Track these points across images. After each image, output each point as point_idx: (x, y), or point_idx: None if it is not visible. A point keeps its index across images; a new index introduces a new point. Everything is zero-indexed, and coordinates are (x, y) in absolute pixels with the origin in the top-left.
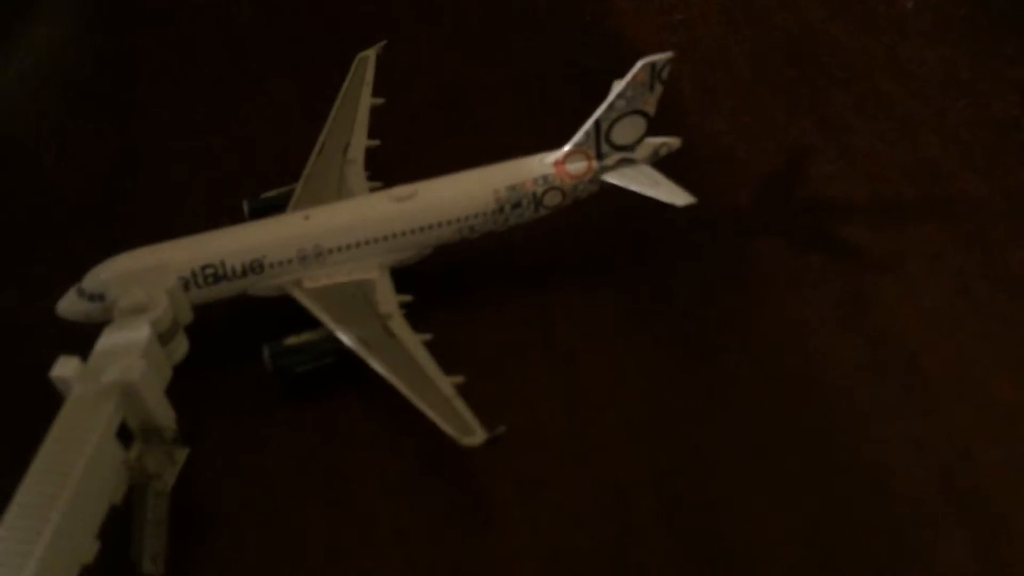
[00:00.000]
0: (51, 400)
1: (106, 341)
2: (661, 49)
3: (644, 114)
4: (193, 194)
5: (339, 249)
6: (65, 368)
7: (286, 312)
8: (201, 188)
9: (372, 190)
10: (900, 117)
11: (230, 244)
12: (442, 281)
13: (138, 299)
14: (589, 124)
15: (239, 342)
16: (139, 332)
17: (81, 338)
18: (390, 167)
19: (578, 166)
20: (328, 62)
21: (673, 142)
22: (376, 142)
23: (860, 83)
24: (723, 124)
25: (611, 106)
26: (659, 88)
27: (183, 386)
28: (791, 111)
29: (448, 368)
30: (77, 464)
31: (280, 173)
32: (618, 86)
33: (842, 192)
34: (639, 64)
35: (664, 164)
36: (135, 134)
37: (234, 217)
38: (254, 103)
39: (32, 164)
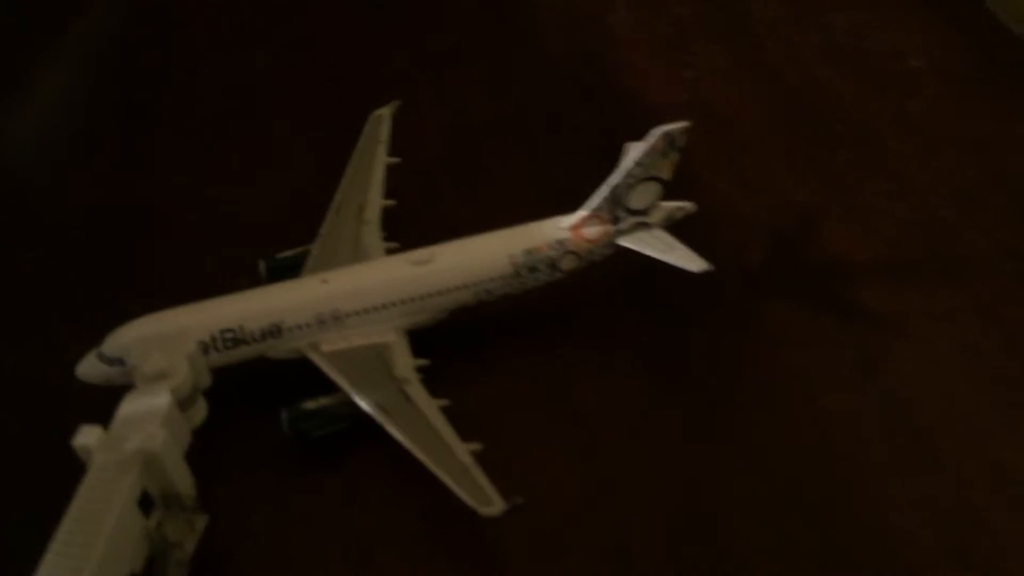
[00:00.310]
0: (69, 463)
1: (127, 409)
2: (671, 105)
3: (659, 180)
4: (208, 250)
5: (357, 313)
6: (87, 437)
7: (302, 373)
8: (216, 243)
9: (388, 251)
10: (909, 176)
11: (249, 308)
12: (456, 343)
13: (159, 366)
14: (605, 190)
15: (255, 405)
16: (160, 399)
17: (99, 399)
18: (404, 224)
19: (594, 230)
20: (339, 116)
21: (688, 207)
22: (392, 202)
23: (869, 142)
24: (733, 183)
25: (627, 173)
26: (674, 155)
27: (200, 450)
28: (801, 170)
29: (463, 432)
30: (101, 535)
31: (295, 228)
32: (632, 148)
33: (852, 252)
34: (656, 133)
35: (675, 224)
36: (149, 188)
37: (250, 274)
38: (266, 157)
39: (45, 215)
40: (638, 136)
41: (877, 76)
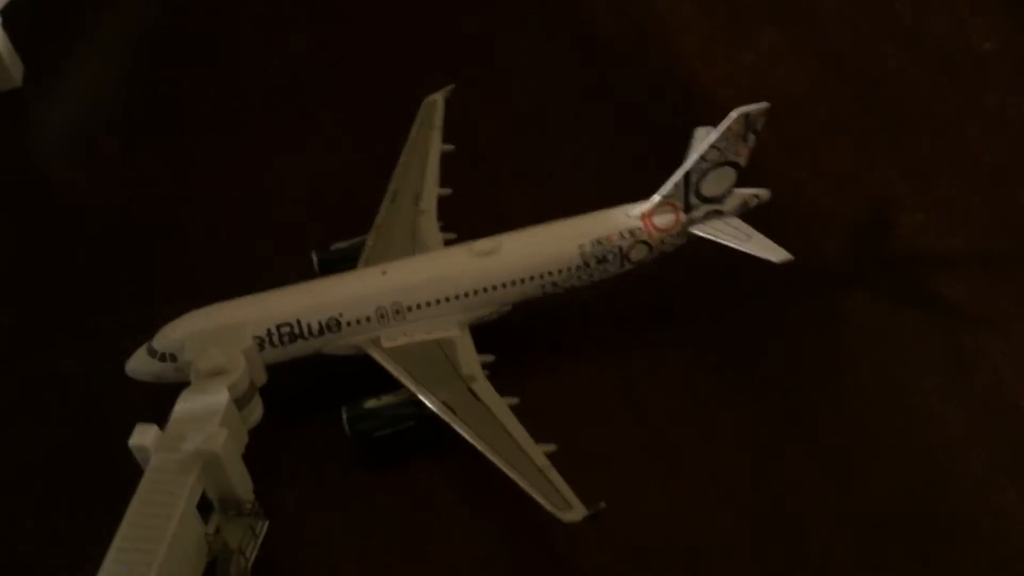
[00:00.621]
0: (125, 465)
1: (184, 407)
2: (734, 90)
3: (735, 165)
4: (256, 241)
5: (419, 306)
6: (144, 437)
7: (359, 372)
8: (264, 235)
9: (446, 241)
10: (987, 165)
11: (306, 301)
12: (522, 339)
13: (216, 361)
14: (679, 175)
15: (314, 404)
16: (218, 397)
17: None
18: (459, 214)
19: (666, 219)
20: (385, 103)
21: (763, 194)
22: (448, 191)
23: (942, 129)
24: (804, 172)
25: (702, 157)
26: (752, 139)
27: (257, 452)
28: (873, 158)
29: (533, 433)
30: (162, 540)
31: (344, 220)
32: (702, 133)
33: (933, 244)
34: (734, 114)
35: (746, 215)
36: (192, 179)
37: (299, 266)
38: (313, 145)
39: (87, 208)
40: (701, 121)
41: (947, 60)
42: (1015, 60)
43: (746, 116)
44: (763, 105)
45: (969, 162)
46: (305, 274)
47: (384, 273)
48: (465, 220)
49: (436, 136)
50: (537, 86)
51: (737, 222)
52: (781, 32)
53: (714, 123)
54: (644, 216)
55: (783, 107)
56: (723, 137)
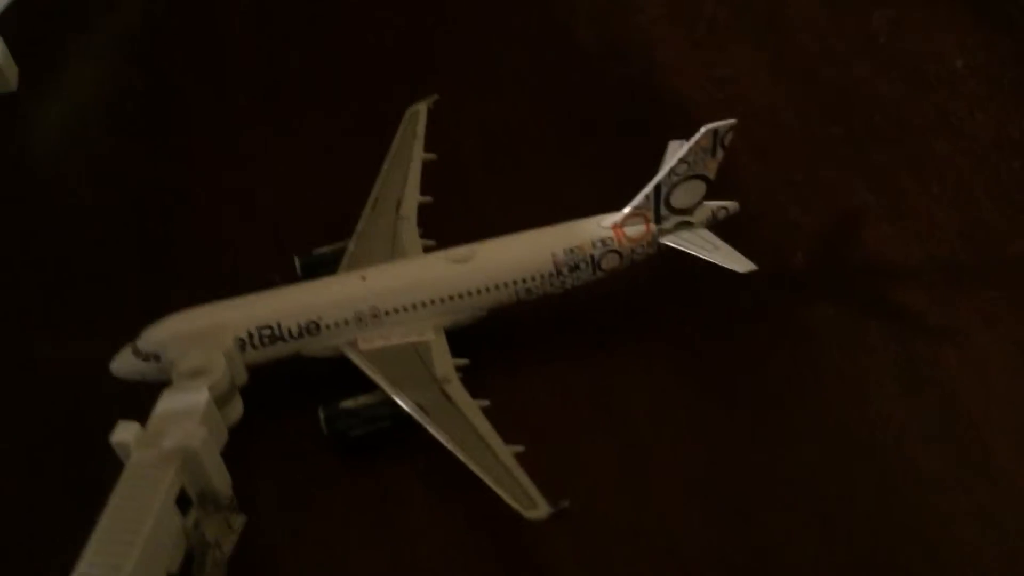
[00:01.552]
0: (106, 458)
1: (165, 405)
2: (709, 103)
3: (704, 178)
4: (241, 242)
5: (396, 311)
6: (125, 433)
7: (340, 371)
8: (249, 236)
9: (425, 248)
10: (952, 178)
11: (287, 304)
12: (495, 343)
13: (197, 362)
14: (649, 188)
15: (292, 403)
16: (198, 396)
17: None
18: (439, 220)
19: (636, 229)
20: (374, 108)
21: (731, 206)
22: (428, 199)
23: (910, 142)
24: (774, 182)
25: (672, 171)
26: (720, 153)
27: (237, 449)
28: (842, 170)
29: (503, 434)
30: (140, 533)
31: (328, 222)
32: (675, 146)
33: (897, 254)
34: (702, 130)
35: (718, 223)
36: (182, 179)
37: (283, 267)
38: (300, 147)
39: (76, 205)
40: (676, 134)
41: (917, 76)
42: (984, 77)
43: (715, 132)
44: (731, 121)
45: (935, 175)
46: (288, 277)
47: (363, 278)
48: (444, 226)
49: (418, 145)
50: (516, 96)
51: (706, 233)
52: (757, 46)
53: (689, 134)
54: (615, 226)
55: (756, 118)
56: (692, 152)
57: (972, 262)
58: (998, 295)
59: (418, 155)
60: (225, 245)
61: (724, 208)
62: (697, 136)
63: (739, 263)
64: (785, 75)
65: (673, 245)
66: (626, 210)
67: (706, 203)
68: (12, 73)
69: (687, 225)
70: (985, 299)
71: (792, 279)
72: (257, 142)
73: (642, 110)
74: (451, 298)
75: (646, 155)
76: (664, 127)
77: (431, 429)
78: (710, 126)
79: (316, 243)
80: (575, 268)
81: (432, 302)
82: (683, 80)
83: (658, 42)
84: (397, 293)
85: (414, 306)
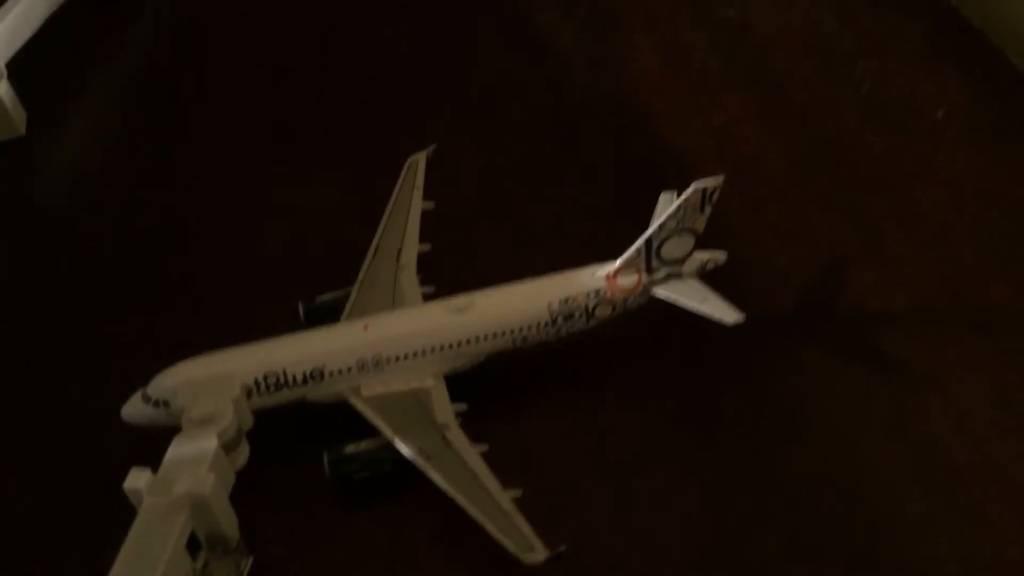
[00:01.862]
0: (121, 506)
1: (175, 452)
2: (701, 151)
3: (693, 232)
4: (246, 285)
5: (397, 359)
6: (137, 480)
7: (340, 418)
8: (254, 278)
9: (424, 294)
10: (935, 226)
11: (292, 353)
12: (493, 388)
13: (206, 409)
14: (641, 241)
15: (297, 447)
16: (207, 443)
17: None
18: (439, 267)
19: (629, 280)
20: (376, 153)
21: (719, 257)
22: (427, 247)
23: (895, 191)
24: (764, 230)
25: (662, 225)
26: (708, 209)
27: (243, 492)
28: (830, 218)
29: (502, 478)
30: None
31: (330, 267)
32: (666, 198)
33: (882, 301)
34: (692, 188)
35: (707, 272)
36: (188, 227)
37: (287, 312)
38: (304, 193)
39: (85, 250)
40: (669, 181)
41: (902, 125)
42: (965, 127)
43: (703, 190)
44: (719, 179)
45: (917, 223)
46: (292, 322)
47: (366, 328)
48: (443, 272)
49: (417, 195)
50: (514, 143)
51: (695, 283)
52: (747, 95)
53: (681, 181)
54: (608, 277)
55: (747, 167)
56: (681, 208)
57: (954, 309)
58: (979, 341)
59: (417, 204)
60: (231, 288)
61: (713, 259)
62: (687, 194)
63: (727, 314)
64: (773, 124)
65: (663, 296)
66: (618, 262)
67: (695, 254)
68: (20, 118)
69: (677, 276)
70: (967, 345)
71: (781, 325)
72: (261, 188)
73: (637, 158)
74: (450, 346)
75: (640, 202)
76: (657, 174)
77: (431, 475)
78: (699, 184)
79: (319, 286)
80: (569, 317)
81: (432, 350)
82: (676, 128)
83: (652, 91)
84: (398, 342)
85: (415, 354)
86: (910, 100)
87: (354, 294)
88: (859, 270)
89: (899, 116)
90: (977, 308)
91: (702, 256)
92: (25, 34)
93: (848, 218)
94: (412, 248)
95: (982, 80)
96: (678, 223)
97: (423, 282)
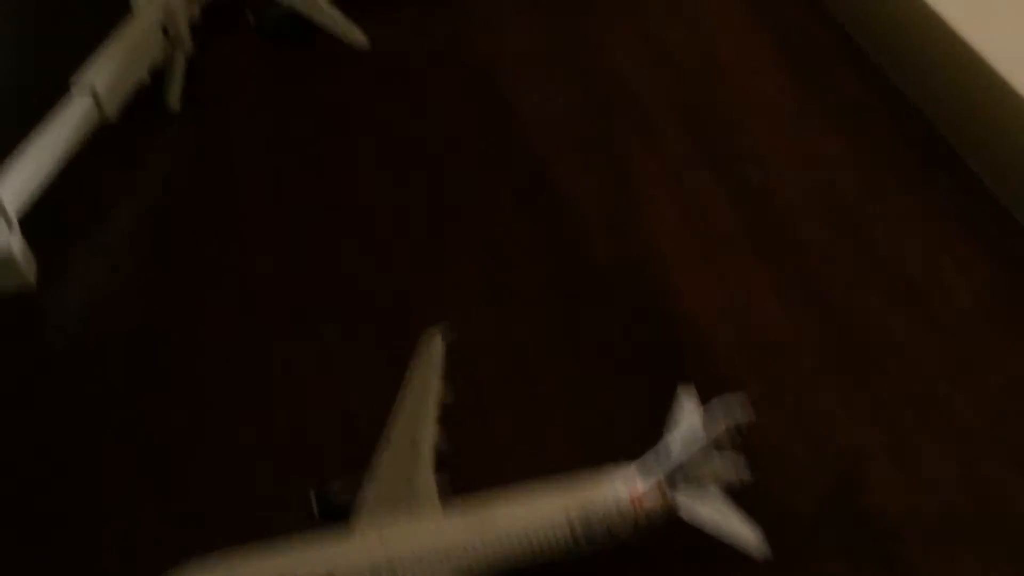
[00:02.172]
0: None
1: None
2: (722, 331)
3: (720, 447)
4: (256, 468)
5: (412, 572)
6: None
7: None
8: (264, 460)
9: (440, 486)
10: (958, 427)
11: (306, 560)
12: None
13: None
14: (663, 450)
15: None
16: None
17: None
18: (455, 456)
19: (654, 501)
20: (391, 323)
21: (746, 477)
22: (443, 438)
23: (919, 383)
24: (786, 424)
25: (684, 439)
26: (737, 437)
27: None
28: (850, 410)
29: None
30: None
31: (343, 446)
32: (687, 395)
33: (899, 503)
34: (720, 423)
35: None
36: (195, 400)
37: (299, 497)
38: (313, 366)
39: (92, 421)
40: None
41: (926, 313)
42: (992, 317)
43: (728, 408)
44: (743, 400)
45: (940, 422)
46: (303, 505)
47: (382, 539)
48: (463, 463)
49: (435, 381)
50: (530, 315)
51: (719, 500)
52: (767, 267)
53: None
54: (633, 499)
55: (766, 349)
56: (707, 426)
57: (978, 521)
58: (1006, 557)
59: (435, 392)
60: (240, 471)
61: (740, 478)
62: (711, 411)
63: (752, 543)
64: (795, 303)
65: (687, 519)
66: (644, 482)
67: (719, 467)
68: (31, 270)
69: (700, 488)
70: (988, 557)
71: (797, 527)
72: (272, 359)
73: (656, 332)
74: (466, 560)
75: (661, 380)
76: (678, 351)
77: None
78: (723, 403)
79: (332, 468)
80: (591, 539)
81: (447, 560)
82: (695, 299)
83: (670, 256)
84: (413, 552)
85: (430, 564)
86: (934, 288)
87: (367, 486)
88: (879, 471)
89: (925, 304)
90: (1001, 520)
91: (726, 470)
92: (35, 185)
93: (871, 413)
94: (429, 439)
95: (1006, 263)
96: (703, 440)
97: (439, 467)
